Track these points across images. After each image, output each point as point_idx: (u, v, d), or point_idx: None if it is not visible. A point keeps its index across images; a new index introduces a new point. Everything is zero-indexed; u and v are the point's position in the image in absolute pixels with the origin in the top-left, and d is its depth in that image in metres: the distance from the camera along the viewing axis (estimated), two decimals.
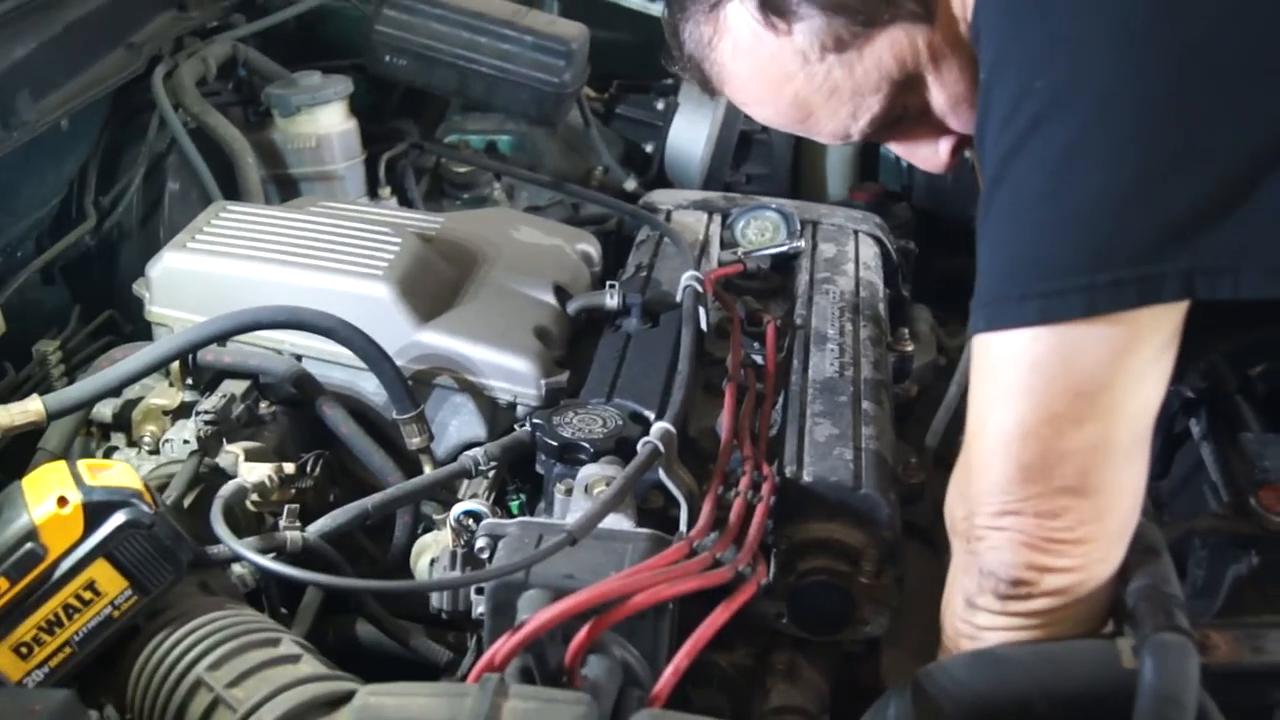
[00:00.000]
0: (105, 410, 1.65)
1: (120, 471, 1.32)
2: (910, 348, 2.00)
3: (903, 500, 1.61)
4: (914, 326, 2.09)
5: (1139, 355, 1.15)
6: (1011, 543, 1.21)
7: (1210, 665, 1.14)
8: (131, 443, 1.65)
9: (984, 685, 1.24)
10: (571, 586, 1.24)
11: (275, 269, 1.71)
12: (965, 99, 1.34)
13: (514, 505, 1.61)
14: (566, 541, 1.27)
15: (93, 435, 1.68)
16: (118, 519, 1.26)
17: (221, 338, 1.56)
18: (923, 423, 1.88)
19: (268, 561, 1.29)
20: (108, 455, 1.65)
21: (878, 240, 2.20)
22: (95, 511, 1.26)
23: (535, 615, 1.16)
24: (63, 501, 1.25)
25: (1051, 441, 1.17)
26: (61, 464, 1.32)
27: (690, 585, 1.25)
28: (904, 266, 2.22)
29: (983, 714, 1.24)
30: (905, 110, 1.37)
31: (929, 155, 1.45)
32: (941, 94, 1.35)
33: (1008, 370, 1.18)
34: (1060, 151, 1.14)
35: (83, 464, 1.31)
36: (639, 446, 1.44)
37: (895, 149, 1.47)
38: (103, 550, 1.26)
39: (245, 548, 1.33)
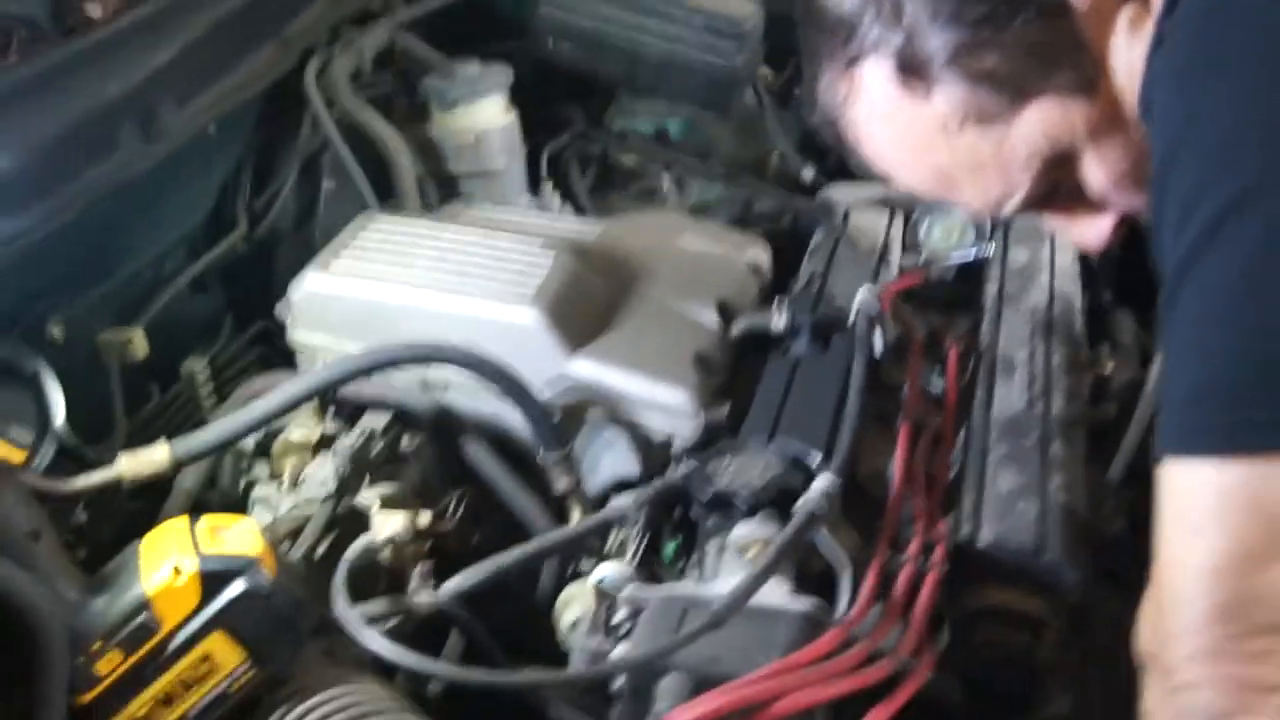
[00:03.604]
0: (248, 439, 1.57)
1: (241, 533, 1.24)
2: (1109, 369, 1.81)
3: (1097, 551, 1.44)
4: (1116, 337, 1.90)
5: None
6: (1212, 684, 1.07)
7: None
8: (274, 474, 1.58)
9: None
10: (716, 673, 1.14)
11: (418, 293, 1.62)
12: (1130, 176, 1.15)
13: (669, 550, 1.50)
14: (710, 626, 1.15)
15: (243, 457, 1.61)
16: (235, 588, 1.19)
17: (361, 374, 1.46)
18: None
19: (387, 647, 1.20)
20: (249, 487, 1.58)
21: None
22: (211, 580, 1.19)
23: (674, 715, 1.06)
24: (177, 571, 1.18)
25: (1247, 578, 1.02)
26: (182, 523, 1.25)
27: (843, 688, 1.12)
28: (1105, 270, 2.02)
29: None
30: (1058, 187, 1.19)
31: (1088, 232, 1.26)
32: (1101, 172, 1.16)
33: (1193, 501, 1.04)
34: (1245, 261, 0.96)
35: (204, 524, 1.24)
36: (798, 505, 1.31)
37: (1051, 222, 1.29)
38: (219, 622, 1.19)
39: (364, 619, 1.24)
